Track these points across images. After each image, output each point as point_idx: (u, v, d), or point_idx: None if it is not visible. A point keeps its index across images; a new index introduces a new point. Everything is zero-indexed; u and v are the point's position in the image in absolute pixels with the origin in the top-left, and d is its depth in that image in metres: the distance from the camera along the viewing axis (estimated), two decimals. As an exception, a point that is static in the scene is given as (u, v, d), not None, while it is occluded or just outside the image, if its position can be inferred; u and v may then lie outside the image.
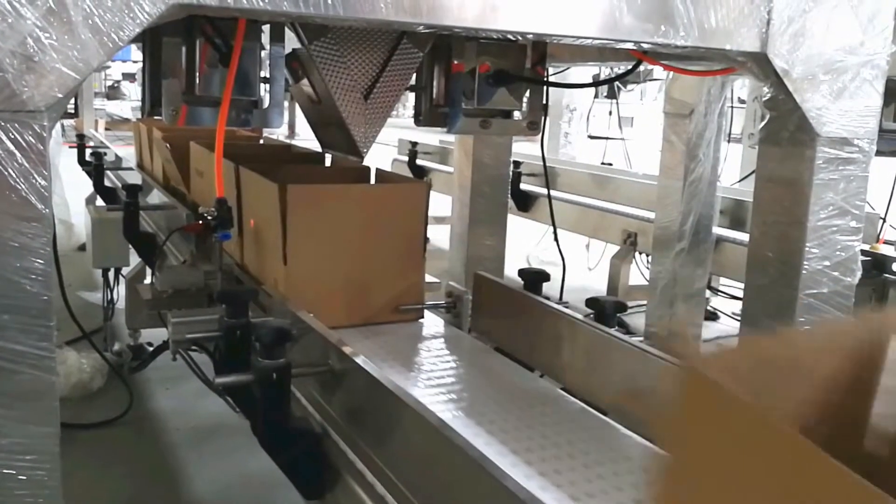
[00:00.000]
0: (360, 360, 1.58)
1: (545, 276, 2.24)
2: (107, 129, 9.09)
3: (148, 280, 3.73)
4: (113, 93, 19.74)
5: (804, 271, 1.99)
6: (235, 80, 2.09)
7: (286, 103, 2.85)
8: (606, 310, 2.01)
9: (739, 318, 5.35)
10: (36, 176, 1.34)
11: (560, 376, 2.01)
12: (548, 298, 2.24)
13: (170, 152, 3.25)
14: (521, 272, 2.27)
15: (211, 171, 2.38)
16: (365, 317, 2.30)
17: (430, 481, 1.34)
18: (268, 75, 2.26)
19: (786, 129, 1.98)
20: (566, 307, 2.23)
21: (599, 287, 5.63)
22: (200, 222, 1.98)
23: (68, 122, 9.98)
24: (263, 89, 2.25)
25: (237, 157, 2.51)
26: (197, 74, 2.15)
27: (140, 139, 4.57)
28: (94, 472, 2.96)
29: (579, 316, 1.99)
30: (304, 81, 2.42)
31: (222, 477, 2.88)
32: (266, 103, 2.26)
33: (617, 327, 2.01)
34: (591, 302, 2.05)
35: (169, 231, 2.98)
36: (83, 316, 4.68)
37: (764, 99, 2.05)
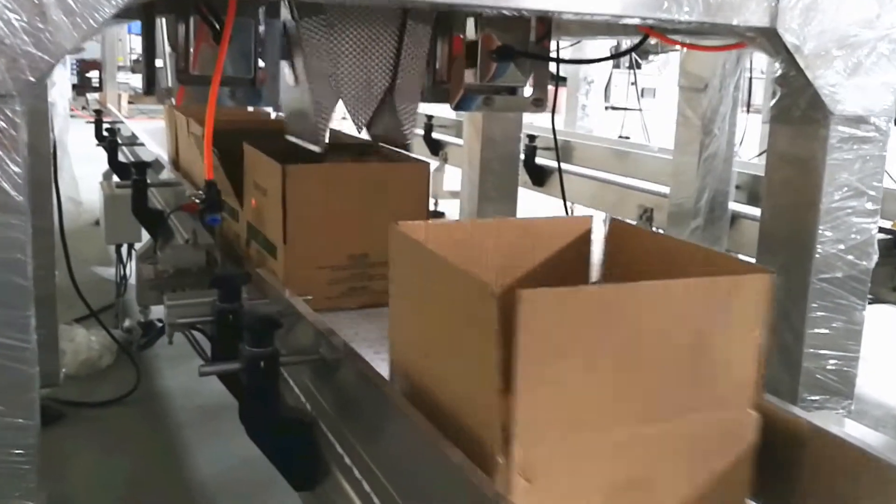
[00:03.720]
0: (349, 349, 1.53)
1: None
2: (130, 102, 9.14)
3: (157, 258, 3.70)
4: (137, 66, 19.74)
5: (817, 255, 1.92)
6: (231, 57, 2.04)
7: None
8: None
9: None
10: (9, 163, 1.30)
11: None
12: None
13: (217, 157, 2.46)
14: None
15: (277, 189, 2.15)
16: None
17: (416, 481, 1.29)
18: (265, 53, 2.21)
19: (797, 107, 1.91)
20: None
21: (616, 262, 5.56)
22: (197, 201, 1.94)
23: (93, 96, 10.00)
24: (262, 67, 2.20)
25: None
26: (192, 53, 2.10)
27: (175, 132, 3.85)
28: (98, 452, 2.96)
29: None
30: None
31: (226, 458, 2.86)
32: (265, 81, 2.21)
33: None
34: None
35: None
36: (97, 291, 4.68)
37: (775, 75, 1.97)
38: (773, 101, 1.97)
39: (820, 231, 1.92)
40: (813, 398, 2.03)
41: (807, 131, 1.91)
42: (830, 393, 2.04)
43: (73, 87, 13.41)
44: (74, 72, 13.90)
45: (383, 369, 1.82)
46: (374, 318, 2.18)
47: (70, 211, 3.42)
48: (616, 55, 4.59)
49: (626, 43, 7.41)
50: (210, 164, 1.93)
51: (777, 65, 1.92)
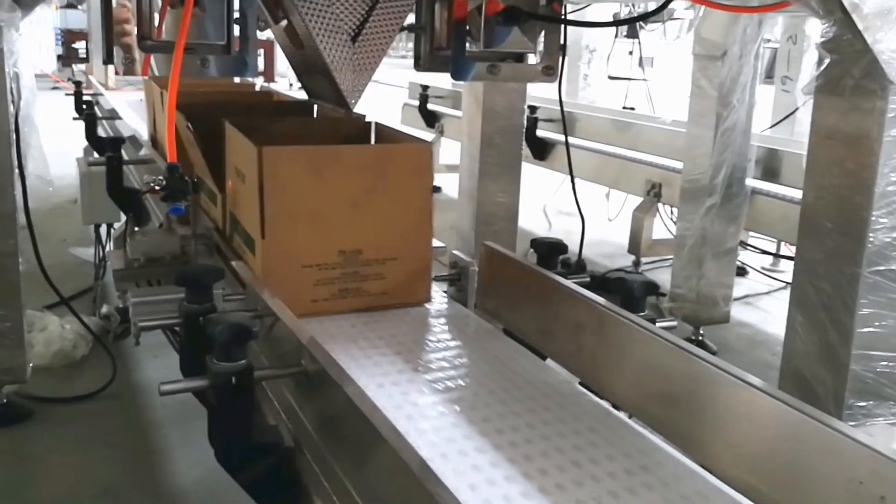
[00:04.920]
0: (330, 365, 1.30)
1: (561, 248, 1.95)
2: (116, 73, 8.86)
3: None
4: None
5: (869, 245, 1.69)
6: (200, 22, 1.79)
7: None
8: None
9: (770, 274, 5.06)
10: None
11: (576, 367, 1.73)
12: (567, 265, 1.96)
13: (193, 135, 2.19)
14: (534, 243, 1.98)
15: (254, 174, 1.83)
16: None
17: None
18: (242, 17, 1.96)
19: (850, 76, 1.67)
20: (584, 277, 1.95)
21: (619, 240, 5.34)
22: (157, 188, 1.69)
23: (79, 66, 9.70)
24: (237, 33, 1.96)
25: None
26: (157, 16, 1.86)
27: (153, 105, 3.51)
28: (69, 455, 2.72)
29: (599, 299, 1.69)
30: (285, 23, 2.11)
31: (210, 461, 2.62)
32: (239, 48, 1.96)
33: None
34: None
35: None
36: (76, 275, 4.43)
37: (822, 40, 1.73)
38: (820, 70, 1.73)
39: (873, 217, 1.69)
40: (860, 404, 1.81)
41: (860, 104, 1.67)
42: (880, 398, 1.82)
43: (59, 57, 13.09)
44: (59, 42, 13.55)
45: (379, 387, 1.61)
46: (369, 323, 1.93)
47: (38, 190, 3.16)
48: (639, 17, 4.31)
49: (627, 10, 7.13)
50: (172, 144, 1.68)
51: (827, 27, 1.67)
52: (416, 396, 1.55)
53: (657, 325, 1.61)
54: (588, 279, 1.98)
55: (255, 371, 1.36)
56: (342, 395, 1.23)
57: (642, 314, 1.64)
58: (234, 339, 1.32)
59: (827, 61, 1.71)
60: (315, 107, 2.54)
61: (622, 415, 1.55)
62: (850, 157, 1.70)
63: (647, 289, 1.69)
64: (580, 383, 1.68)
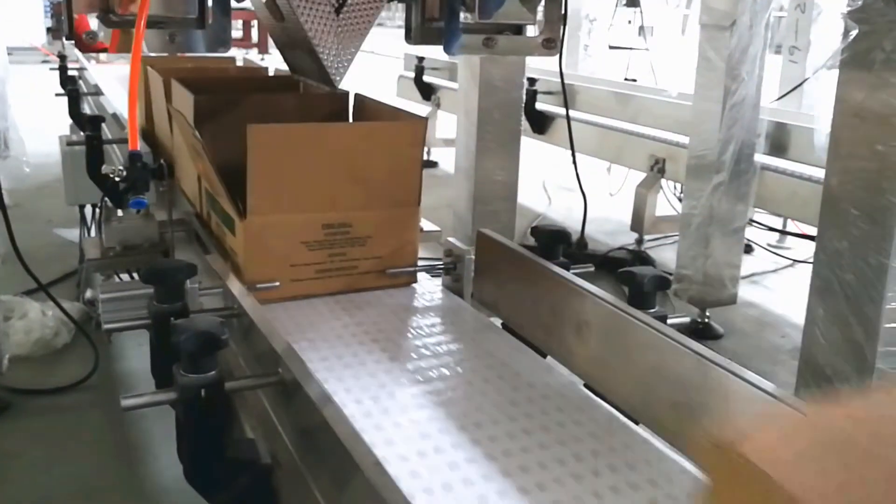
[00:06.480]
0: (306, 372, 1.17)
1: (564, 237, 1.81)
2: (81, 50, 8.70)
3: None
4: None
5: (899, 233, 1.56)
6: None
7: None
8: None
9: (777, 252, 4.92)
10: None
11: (580, 367, 1.60)
12: (569, 255, 1.82)
13: (200, 143, 1.78)
14: (535, 231, 1.84)
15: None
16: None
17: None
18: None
19: (880, 49, 1.52)
20: (588, 268, 1.81)
21: (621, 216, 5.20)
22: (117, 179, 1.55)
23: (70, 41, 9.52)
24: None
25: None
26: (122, -14, 1.70)
27: (149, 94, 2.94)
28: (46, 451, 2.60)
29: (606, 294, 1.55)
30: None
31: (193, 456, 2.51)
32: (213, 21, 1.81)
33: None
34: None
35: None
36: (61, 257, 4.30)
37: (849, 9, 1.58)
38: (847, 42, 1.58)
39: (904, 203, 1.55)
40: (885, 403, 1.68)
41: (891, 79, 1.52)
42: (906, 397, 1.68)
43: (48, 30, 12.87)
44: (49, 14, 13.32)
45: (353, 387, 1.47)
46: (350, 307, 1.82)
47: (15, 171, 3.02)
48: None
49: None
50: (135, 129, 1.54)
51: (855, -6, 1.53)
52: (411, 403, 1.43)
53: (668, 322, 1.48)
54: (592, 269, 1.85)
55: (227, 382, 1.23)
56: (319, 414, 1.10)
57: (652, 311, 1.51)
58: (201, 349, 1.19)
59: (854, 33, 1.57)
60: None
61: (627, 420, 1.43)
62: (879, 137, 1.56)
63: (658, 283, 1.55)
64: (585, 385, 1.55)
